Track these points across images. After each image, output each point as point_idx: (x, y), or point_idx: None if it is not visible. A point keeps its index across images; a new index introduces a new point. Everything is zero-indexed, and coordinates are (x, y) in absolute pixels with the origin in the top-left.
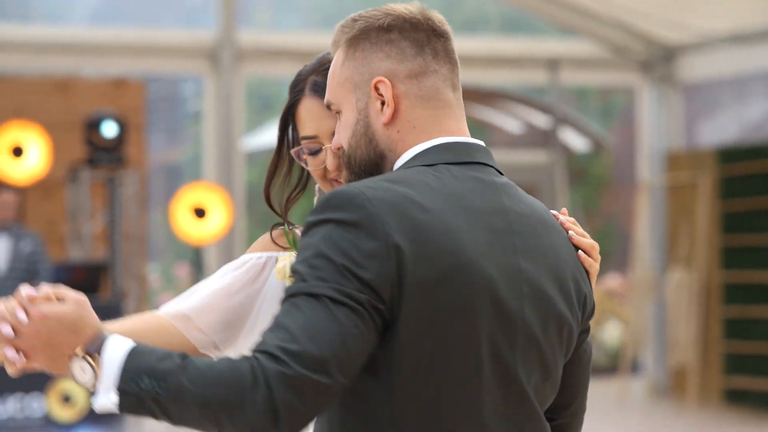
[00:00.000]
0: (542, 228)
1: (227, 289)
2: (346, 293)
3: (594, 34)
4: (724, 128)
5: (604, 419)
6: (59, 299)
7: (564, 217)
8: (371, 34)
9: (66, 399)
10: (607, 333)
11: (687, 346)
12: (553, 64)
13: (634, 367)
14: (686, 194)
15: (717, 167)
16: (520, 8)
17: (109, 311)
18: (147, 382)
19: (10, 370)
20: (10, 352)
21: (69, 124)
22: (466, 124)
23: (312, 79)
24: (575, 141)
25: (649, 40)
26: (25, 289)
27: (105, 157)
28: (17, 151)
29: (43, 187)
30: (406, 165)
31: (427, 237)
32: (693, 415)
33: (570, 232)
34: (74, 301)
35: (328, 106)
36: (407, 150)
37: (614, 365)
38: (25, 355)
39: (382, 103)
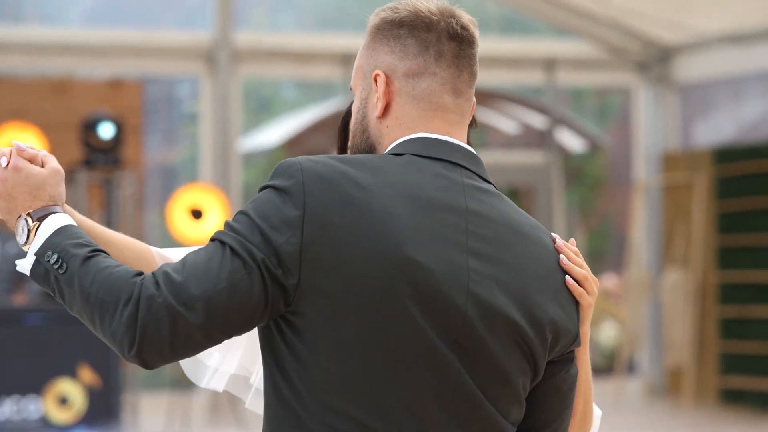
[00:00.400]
0: (512, 237)
1: None
2: (246, 248)
3: (590, 35)
4: (720, 128)
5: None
6: (40, 163)
7: (562, 242)
8: (385, 26)
9: (63, 401)
10: (603, 333)
11: (683, 346)
12: (549, 64)
13: (630, 367)
14: (682, 194)
15: (713, 167)
16: (517, 9)
17: None
18: (54, 258)
19: None
20: None
21: (66, 125)
22: (462, 131)
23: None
24: (571, 141)
25: (645, 40)
26: (18, 143)
27: (102, 158)
28: None
29: None
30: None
31: (355, 215)
32: (689, 415)
33: (561, 256)
34: (51, 168)
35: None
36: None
37: (610, 365)
38: None
39: (378, 97)
